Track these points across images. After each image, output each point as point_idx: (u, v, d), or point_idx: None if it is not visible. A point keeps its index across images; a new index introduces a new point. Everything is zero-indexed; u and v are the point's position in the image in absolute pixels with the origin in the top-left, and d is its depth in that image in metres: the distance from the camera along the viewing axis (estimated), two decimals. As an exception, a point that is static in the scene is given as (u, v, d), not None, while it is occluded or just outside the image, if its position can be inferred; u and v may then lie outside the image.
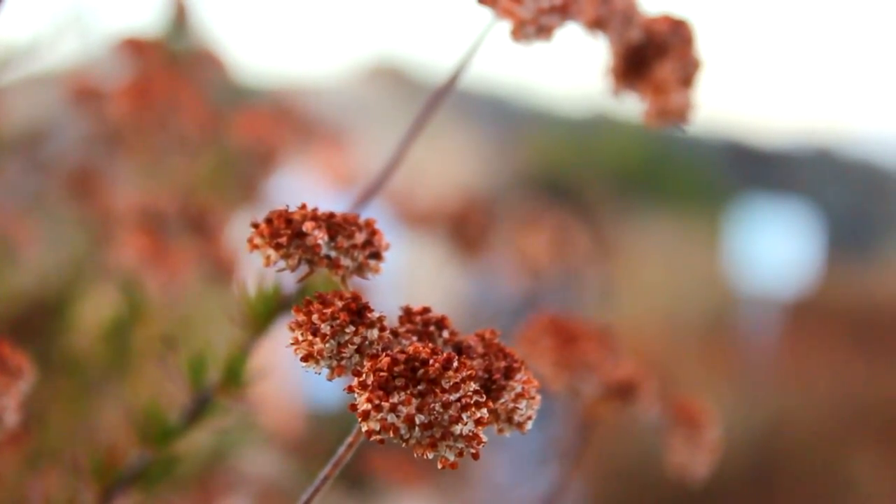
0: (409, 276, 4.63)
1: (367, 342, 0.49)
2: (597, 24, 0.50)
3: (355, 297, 0.51)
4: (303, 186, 4.13)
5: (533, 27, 0.49)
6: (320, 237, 0.51)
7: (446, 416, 0.44)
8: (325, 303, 0.51)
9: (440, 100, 0.59)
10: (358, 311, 0.50)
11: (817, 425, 5.59)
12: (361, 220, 0.53)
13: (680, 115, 0.52)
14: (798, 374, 6.19)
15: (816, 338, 7.24)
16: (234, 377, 0.75)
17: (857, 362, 6.77)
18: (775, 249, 6.82)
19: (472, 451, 0.44)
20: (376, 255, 0.52)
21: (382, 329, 0.50)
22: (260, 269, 0.66)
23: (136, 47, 0.84)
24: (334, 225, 0.52)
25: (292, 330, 0.51)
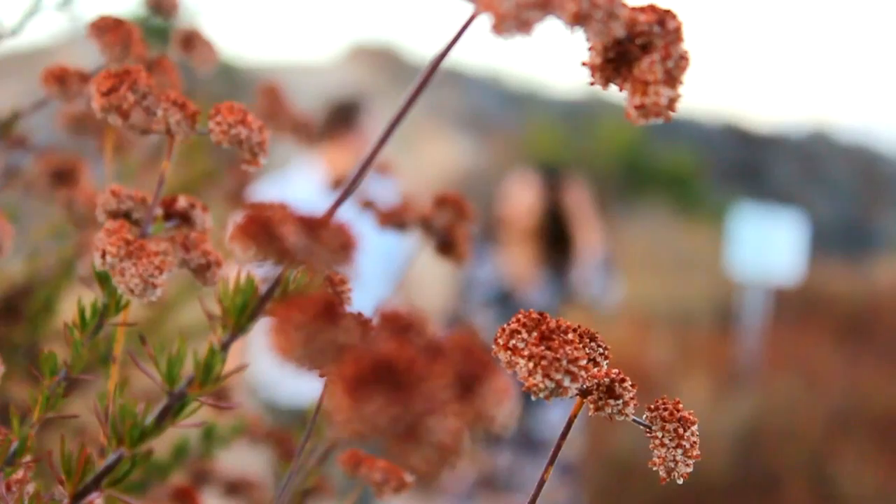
0: (409, 263, 4.53)
1: (340, 344, 0.48)
2: (579, 19, 0.49)
3: (330, 298, 0.50)
4: (303, 181, 4.08)
5: (513, 21, 0.48)
6: (295, 237, 0.50)
7: (420, 422, 0.43)
8: (299, 304, 0.50)
9: (419, 91, 0.58)
10: (332, 312, 0.49)
11: (804, 417, 5.61)
12: (336, 220, 0.52)
13: (663, 111, 0.51)
14: (785, 369, 6.21)
15: (804, 331, 7.27)
16: (210, 374, 0.74)
17: (844, 357, 6.79)
18: (769, 240, 6.83)
19: (447, 457, 0.43)
20: (349, 257, 0.51)
21: (357, 330, 0.49)
22: (241, 265, 0.64)
23: (114, 27, 0.82)
24: (309, 225, 0.51)
25: (268, 330, 0.50)
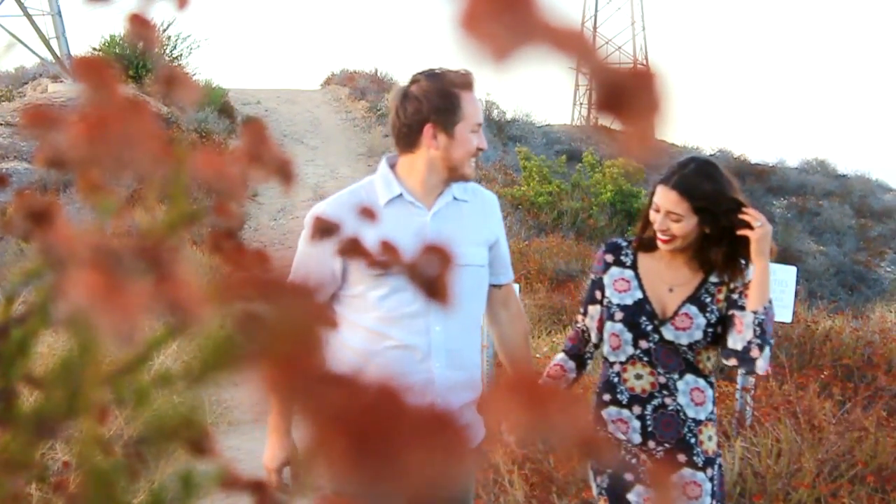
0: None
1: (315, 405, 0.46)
2: (565, 57, 0.48)
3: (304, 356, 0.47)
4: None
5: (502, 60, 0.47)
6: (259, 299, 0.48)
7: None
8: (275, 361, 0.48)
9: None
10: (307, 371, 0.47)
11: (799, 464, 5.59)
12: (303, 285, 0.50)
13: (647, 156, 0.50)
14: (779, 414, 6.19)
15: (798, 377, 7.25)
16: (188, 422, 0.72)
17: (838, 403, 6.77)
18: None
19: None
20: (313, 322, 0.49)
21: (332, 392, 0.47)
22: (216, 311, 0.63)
23: (93, 70, 0.80)
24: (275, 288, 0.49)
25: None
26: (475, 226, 3.33)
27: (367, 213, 1.20)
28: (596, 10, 52.18)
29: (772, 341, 3.29)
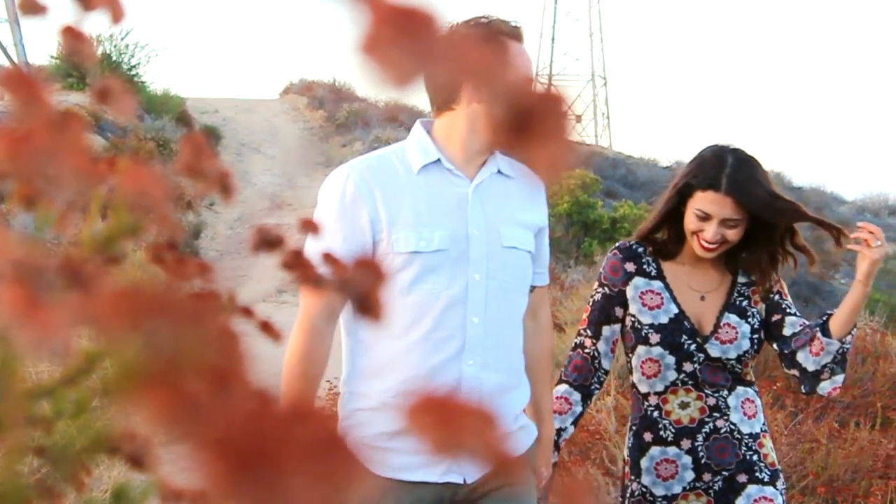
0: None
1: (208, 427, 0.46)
2: (469, 80, 0.48)
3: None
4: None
5: (404, 85, 0.47)
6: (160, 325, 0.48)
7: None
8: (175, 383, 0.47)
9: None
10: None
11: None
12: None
13: (561, 168, 0.51)
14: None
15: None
16: (107, 442, 0.71)
17: (789, 415, 6.81)
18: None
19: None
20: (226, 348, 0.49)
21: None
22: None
23: (21, 83, 0.79)
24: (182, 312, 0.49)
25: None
26: (522, 206, 2.84)
27: (310, 226, 1.19)
28: (554, 22, 52.52)
29: (844, 368, 3.00)
